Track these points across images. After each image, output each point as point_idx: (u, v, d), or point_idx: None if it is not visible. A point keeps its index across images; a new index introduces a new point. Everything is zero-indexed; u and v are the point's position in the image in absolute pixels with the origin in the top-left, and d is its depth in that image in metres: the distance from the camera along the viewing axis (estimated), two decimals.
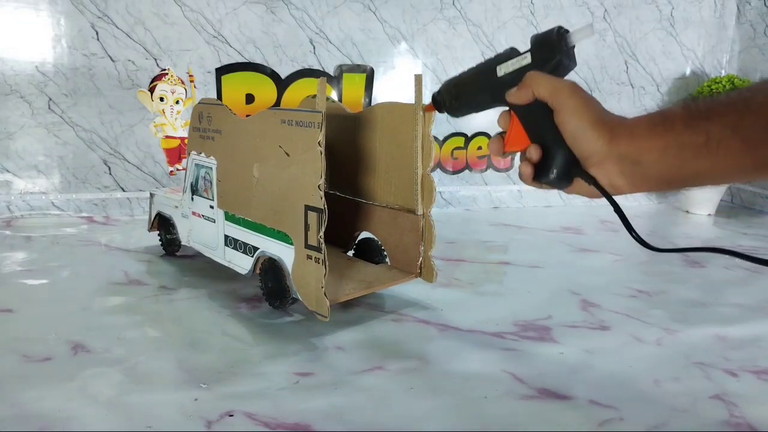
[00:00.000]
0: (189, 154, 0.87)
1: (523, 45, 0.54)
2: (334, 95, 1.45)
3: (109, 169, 1.32)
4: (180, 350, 0.66)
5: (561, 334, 0.75)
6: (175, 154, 1.14)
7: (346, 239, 0.92)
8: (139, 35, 1.28)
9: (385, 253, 0.87)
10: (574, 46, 0.52)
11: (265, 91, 1.39)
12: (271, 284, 0.76)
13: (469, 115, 0.62)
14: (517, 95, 0.52)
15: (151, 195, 1.01)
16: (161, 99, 1.11)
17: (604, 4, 1.67)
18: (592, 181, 0.49)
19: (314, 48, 1.42)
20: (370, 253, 0.89)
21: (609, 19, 1.69)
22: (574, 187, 0.52)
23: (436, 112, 0.66)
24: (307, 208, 0.67)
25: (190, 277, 0.91)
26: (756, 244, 1.32)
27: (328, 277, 0.67)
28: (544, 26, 1.64)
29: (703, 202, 1.65)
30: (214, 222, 0.84)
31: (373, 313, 0.80)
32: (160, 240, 1.01)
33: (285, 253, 0.71)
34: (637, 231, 0.50)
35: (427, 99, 0.67)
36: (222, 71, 1.35)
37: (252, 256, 0.77)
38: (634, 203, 1.74)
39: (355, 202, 0.89)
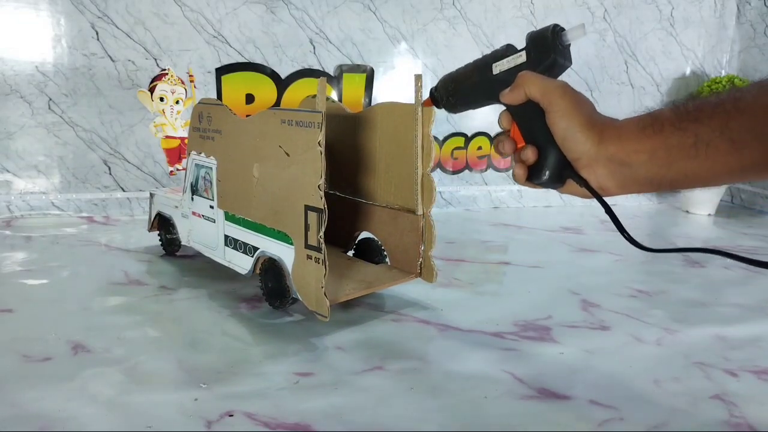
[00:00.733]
0: (189, 154, 0.87)
1: (523, 45, 0.54)
2: (334, 95, 1.45)
3: (109, 169, 1.32)
4: (180, 350, 0.66)
5: (561, 334, 0.75)
6: (175, 154, 1.13)
7: (346, 239, 0.92)
8: (139, 35, 1.28)
9: (385, 253, 0.87)
10: (569, 45, 0.52)
11: (265, 91, 1.39)
12: (271, 284, 0.76)
13: (468, 111, 0.62)
14: (510, 96, 0.52)
15: (151, 195, 1.01)
16: (161, 99, 1.10)
17: (604, 4, 1.67)
18: (583, 182, 0.49)
19: (314, 48, 1.42)
20: (370, 253, 0.89)
21: (609, 19, 1.69)
22: (567, 188, 0.52)
23: (435, 108, 0.66)
24: (307, 208, 0.67)
25: (190, 277, 0.91)
26: (756, 244, 1.32)
27: (328, 277, 0.67)
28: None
29: (703, 202, 1.65)
30: (214, 222, 0.84)
31: (373, 313, 0.80)
32: (160, 240, 1.01)
33: (285, 253, 0.71)
34: (629, 232, 0.50)
35: (426, 97, 0.67)
36: (222, 71, 1.35)
37: (252, 256, 0.77)
38: (635, 203, 1.74)
39: (355, 202, 0.89)
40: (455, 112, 0.63)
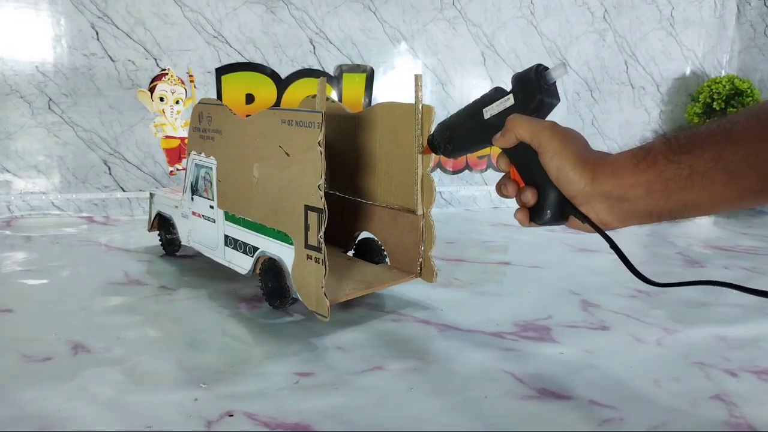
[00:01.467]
0: (189, 154, 0.87)
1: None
2: (334, 95, 1.45)
3: (109, 169, 1.32)
4: (180, 350, 0.66)
5: (561, 334, 0.75)
6: (175, 154, 1.14)
7: (346, 239, 0.92)
8: (139, 35, 1.28)
9: (385, 253, 0.87)
10: (554, 83, 0.53)
11: (265, 91, 1.39)
12: (271, 284, 0.76)
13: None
14: (501, 140, 0.52)
15: (151, 195, 1.01)
16: (161, 99, 1.10)
17: (604, 4, 1.67)
18: (585, 219, 0.49)
19: (314, 48, 1.42)
20: (370, 253, 0.89)
21: (609, 19, 1.69)
22: (572, 224, 0.52)
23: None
24: (307, 208, 0.67)
25: (190, 277, 0.91)
26: (756, 244, 1.32)
27: (328, 277, 0.67)
28: (544, 26, 1.65)
29: None
30: (214, 222, 0.84)
31: (373, 313, 0.80)
32: (160, 240, 1.01)
33: (285, 253, 0.71)
34: (635, 266, 0.50)
35: (426, 99, 0.67)
36: (222, 71, 1.35)
37: (252, 256, 0.77)
38: None
39: (355, 202, 0.89)
40: (454, 158, 0.64)
